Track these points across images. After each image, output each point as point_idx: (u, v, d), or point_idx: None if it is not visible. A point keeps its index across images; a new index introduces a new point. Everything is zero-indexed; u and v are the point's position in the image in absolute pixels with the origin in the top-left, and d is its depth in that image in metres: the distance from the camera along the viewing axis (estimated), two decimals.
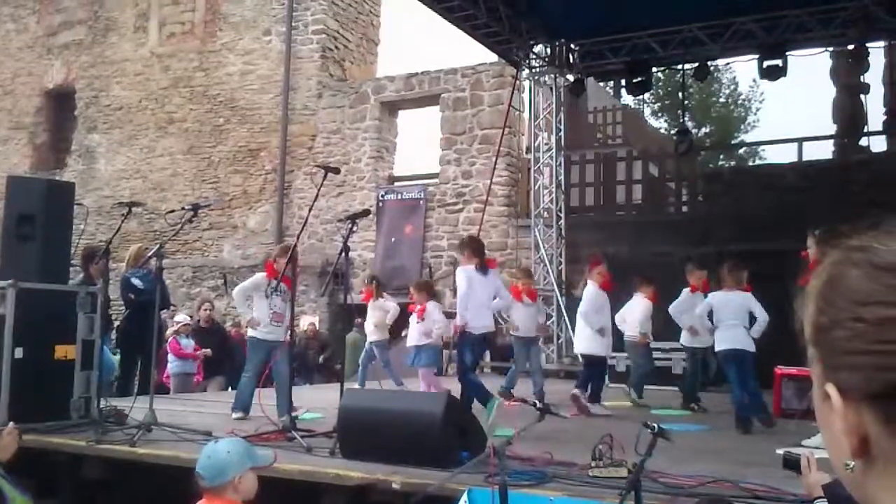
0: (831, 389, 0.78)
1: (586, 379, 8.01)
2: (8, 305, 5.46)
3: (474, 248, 7.53)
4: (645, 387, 9.25)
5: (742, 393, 6.77)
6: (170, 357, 10.28)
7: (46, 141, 20.03)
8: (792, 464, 2.89)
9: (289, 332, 6.70)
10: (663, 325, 9.30)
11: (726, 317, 6.98)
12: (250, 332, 7.24)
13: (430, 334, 8.51)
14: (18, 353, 5.48)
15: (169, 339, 10.41)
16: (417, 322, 8.59)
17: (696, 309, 7.78)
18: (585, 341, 8.13)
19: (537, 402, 7.08)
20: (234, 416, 6.75)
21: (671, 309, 8.52)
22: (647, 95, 20.17)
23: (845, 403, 0.77)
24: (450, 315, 8.74)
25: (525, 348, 8.64)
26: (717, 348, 7.14)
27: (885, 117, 14.15)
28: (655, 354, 10.35)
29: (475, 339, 7.40)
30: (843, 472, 0.79)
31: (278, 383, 6.87)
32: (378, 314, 9.49)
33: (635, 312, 9.07)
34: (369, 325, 9.61)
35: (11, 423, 3.92)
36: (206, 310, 11.32)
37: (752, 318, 6.92)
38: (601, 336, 7.99)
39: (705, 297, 7.73)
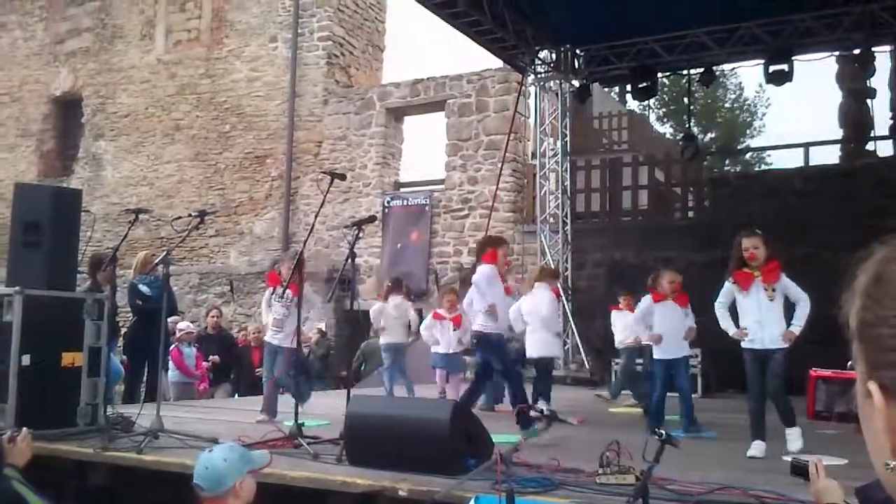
0: (873, 387, 0.77)
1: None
2: (15, 312, 5.46)
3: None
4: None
5: None
6: (170, 365, 10.28)
7: (53, 148, 20.11)
8: (800, 470, 2.87)
9: (292, 338, 6.77)
10: None
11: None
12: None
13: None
14: (25, 360, 5.48)
15: (172, 348, 10.40)
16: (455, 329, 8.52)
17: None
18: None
19: (544, 409, 7.07)
20: (257, 419, 6.92)
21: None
22: (652, 101, 20.23)
23: (887, 402, 0.76)
24: None
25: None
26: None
27: (891, 122, 14.13)
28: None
29: None
30: (883, 472, 0.78)
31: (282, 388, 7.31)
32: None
33: None
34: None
35: (25, 429, 3.90)
36: (213, 317, 11.33)
37: None
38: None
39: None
